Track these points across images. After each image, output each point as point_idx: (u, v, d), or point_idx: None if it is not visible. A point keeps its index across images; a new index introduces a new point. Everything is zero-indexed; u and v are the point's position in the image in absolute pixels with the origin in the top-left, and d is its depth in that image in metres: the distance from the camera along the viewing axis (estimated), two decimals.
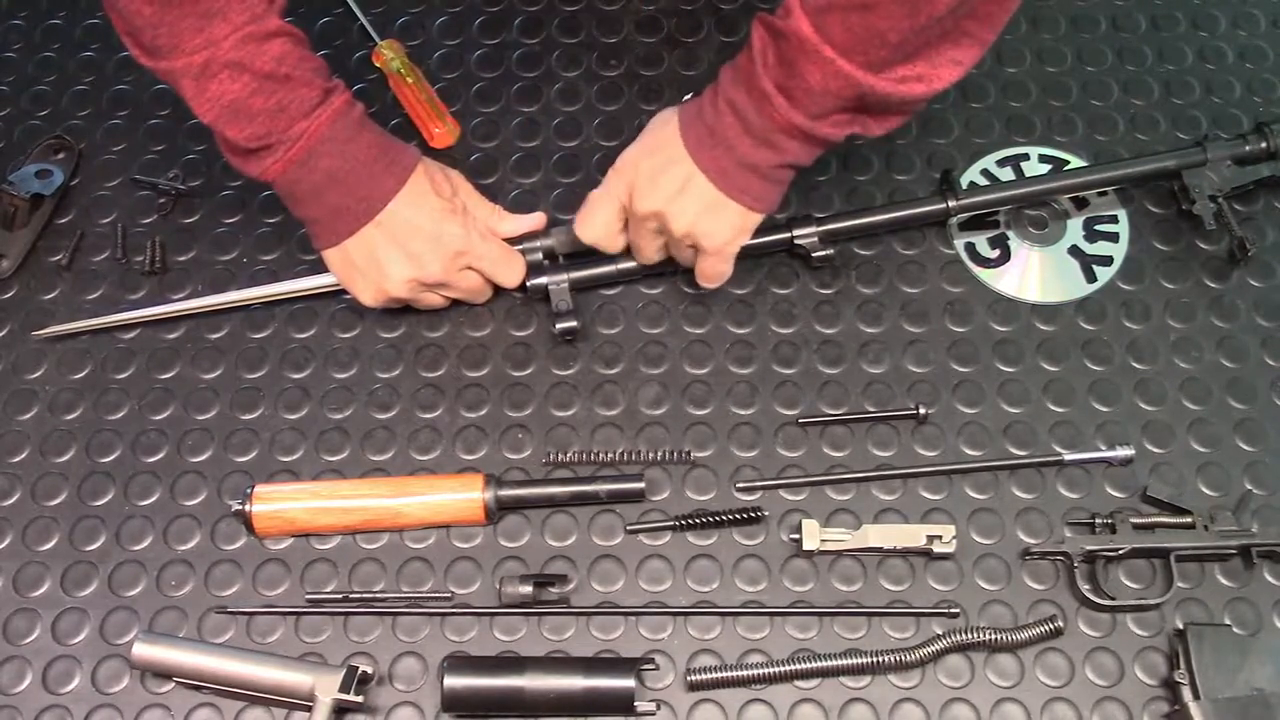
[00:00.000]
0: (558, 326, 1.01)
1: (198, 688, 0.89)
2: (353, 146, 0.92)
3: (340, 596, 0.93)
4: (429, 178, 0.97)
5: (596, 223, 0.98)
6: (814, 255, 1.02)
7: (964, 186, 1.07)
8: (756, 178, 0.91)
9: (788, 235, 1.03)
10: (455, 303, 1.04)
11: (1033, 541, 0.94)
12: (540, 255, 1.03)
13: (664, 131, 0.93)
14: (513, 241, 1.03)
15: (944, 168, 1.06)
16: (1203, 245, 1.07)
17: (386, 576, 0.94)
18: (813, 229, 1.03)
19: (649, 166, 0.93)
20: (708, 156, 0.90)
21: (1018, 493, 0.96)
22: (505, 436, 0.99)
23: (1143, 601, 0.90)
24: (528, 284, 1.02)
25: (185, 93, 0.88)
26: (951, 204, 1.04)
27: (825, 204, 1.08)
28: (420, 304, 1.02)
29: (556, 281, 1.02)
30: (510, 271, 1.02)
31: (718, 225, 0.93)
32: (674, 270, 1.04)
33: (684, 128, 0.91)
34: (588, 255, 1.03)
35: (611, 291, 1.05)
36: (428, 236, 0.96)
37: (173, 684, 0.90)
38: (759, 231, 0.99)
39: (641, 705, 0.87)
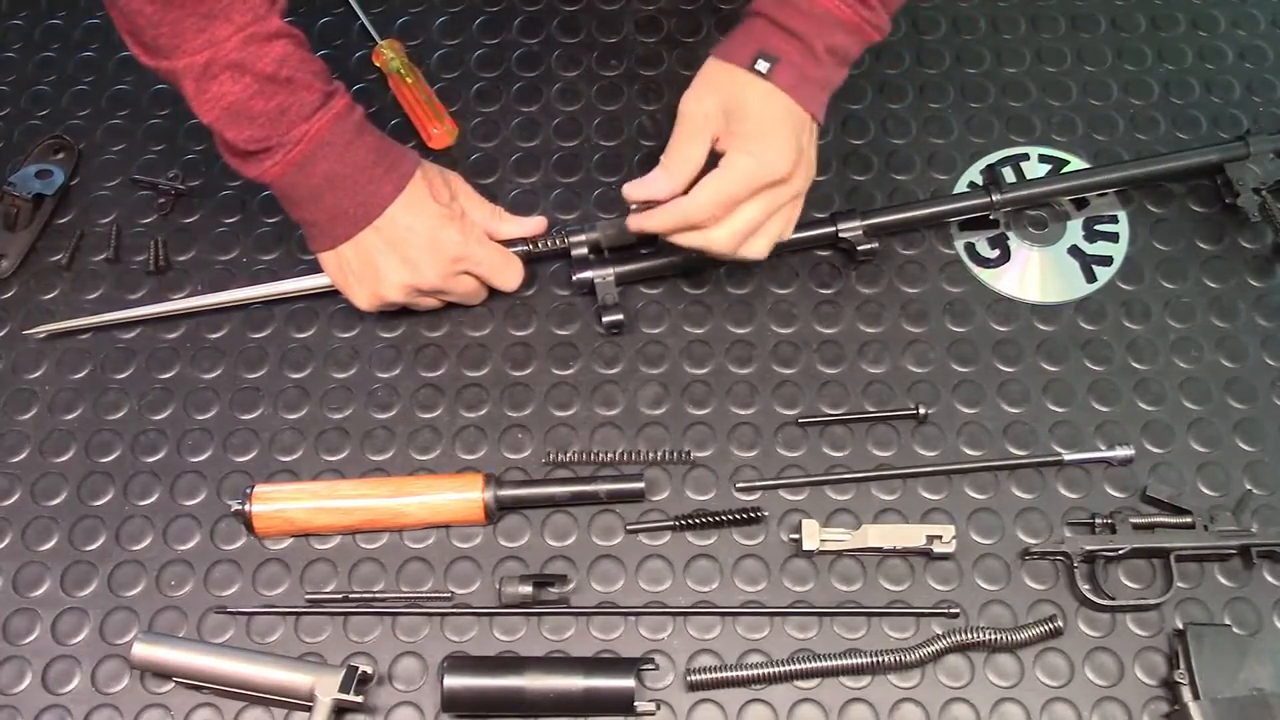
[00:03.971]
0: (604, 320, 1.01)
1: (198, 688, 0.89)
2: (352, 151, 0.92)
3: (340, 596, 0.93)
4: (427, 182, 0.97)
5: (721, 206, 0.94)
6: (859, 249, 1.03)
7: (971, 186, 1.08)
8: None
9: (833, 230, 1.03)
10: (452, 303, 1.04)
11: (1032, 541, 0.94)
12: (586, 250, 1.03)
13: (771, 109, 0.93)
14: (563, 235, 1.03)
15: (946, 165, 1.07)
16: (1202, 245, 1.07)
17: (386, 576, 0.94)
18: (857, 223, 1.03)
19: (781, 145, 0.92)
20: (818, 104, 0.95)
21: (1017, 493, 0.96)
22: (505, 436, 0.99)
23: (1143, 601, 0.90)
24: (575, 277, 1.02)
25: (186, 92, 0.88)
26: (996, 198, 1.04)
27: (825, 204, 1.08)
28: (415, 307, 1.02)
29: (603, 275, 1.02)
30: (508, 276, 1.02)
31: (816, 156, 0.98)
32: (715, 264, 1.04)
33: (794, 92, 0.92)
34: (632, 249, 1.03)
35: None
36: (425, 243, 0.96)
37: (173, 684, 0.90)
38: (805, 226, 1.01)
39: (641, 705, 0.87)
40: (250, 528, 0.94)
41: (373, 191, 0.94)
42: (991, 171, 1.07)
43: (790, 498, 0.96)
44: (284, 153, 0.90)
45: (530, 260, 1.04)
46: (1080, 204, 1.08)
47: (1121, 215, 1.08)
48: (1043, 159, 1.11)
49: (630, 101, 1.15)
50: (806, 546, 0.92)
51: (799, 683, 0.89)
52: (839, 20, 0.91)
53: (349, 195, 0.93)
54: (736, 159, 0.92)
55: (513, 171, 1.12)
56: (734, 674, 0.89)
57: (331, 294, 1.03)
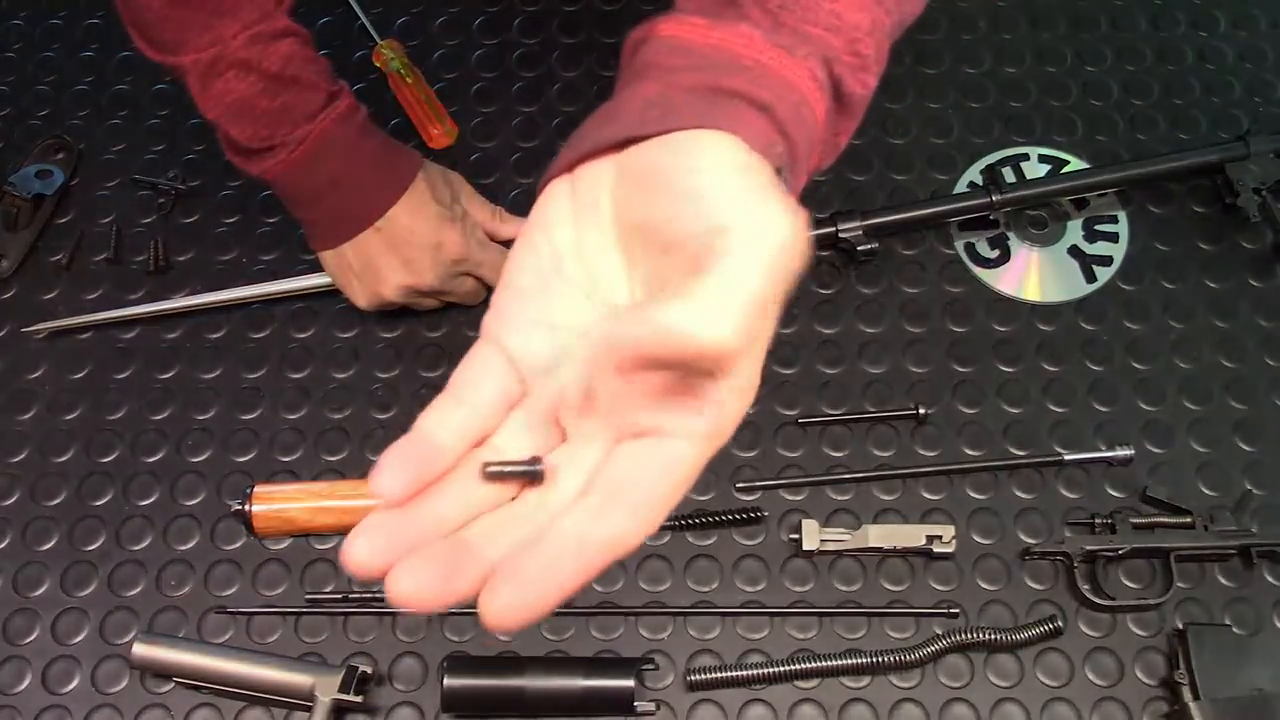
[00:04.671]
0: None
1: (197, 688, 0.89)
2: (355, 152, 0.92)
3: (340, 596, 0.93)
4: (429, 184, 0.97)
5: None
6: (859, 249, 1.02)
7: (971, 186, 1.08)
8: None
9: (833, 230, 1.03)
10: (452, 303, 1.04)
11: (1033, 541, 0.94)
12: None
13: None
14: None
15: (946, 165, 1.07)
16: (1202, 245, 1.07)
17: None
18: (857, 223, 1.03)
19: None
20: None
21: (1018, 493, 0.96)
22: None
23: (1143, 601, 0.90)
24: None
25: (190, 88, 0.88)
26: (996, 198, 1.04)
27: (825, 204, 1.08)
28: (416, 307, 1.02)
29: None
30: None
31: None
32: None
33: None
34: None
35: None
36: (426, 245, 0.96)
37: (172, 684, 0.90)
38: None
39: (641, 705, 0.87)
40: (250, 528, 0.94)
41: (375, 192, 0.94)
42: (991, 171, 1.07)
43: (790, 498, 0.96)
44: (287, 152, 0.90)
45: None
46: (1080, 204, 1.08)
47: (1121, 215, 1.08)
48: (1043, 159, 1.11)
49: None
50: (806, 546, 0.92)
51: (799, 683, 0.89)
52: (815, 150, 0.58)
53: (351, 196, 0.93)
54: (731, 398, 0.47)
55: (513, 171, 1.12)
56: (734, 674, 0.89)
57: (331, 294, 1.03)
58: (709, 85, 0.54)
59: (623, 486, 0.46)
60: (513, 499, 0.49)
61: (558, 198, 0.57)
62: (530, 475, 0.49)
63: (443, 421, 0.49)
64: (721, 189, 0.48)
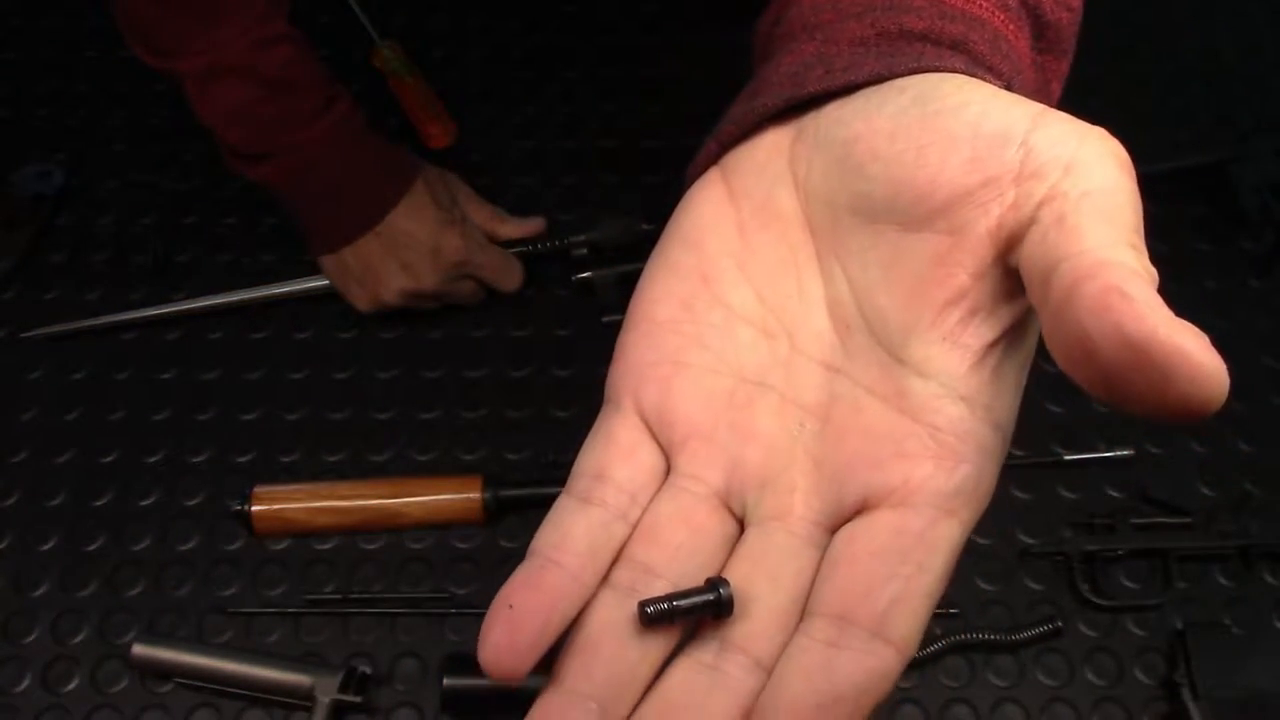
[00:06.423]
0: (604, 320, 1.02)
1: (197, 688, 0.89)
2: (353, 156, 0.92)
3: (339, 597, 0.93)
4: (428, 187, 0.97)
5: None
6: None
7: None
8: None
9: None
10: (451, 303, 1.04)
11: (1032, 541, 0.94)
12: (586, 250, 1.03)
13: None
14: (562, 235, 1.04)
15: None
16: (1202, 245, 1.07)
17: (385, 577, 0.94)
18: None
19: None
20: None
21: (1018, 493, 0.96)
22: (505, 436, 0.99)
23: (1142, 601, 0.90)
24: (574, 277, 1.03)
25: (188, 94, 0.88)
26: None
27: None
28: (415, 308, 1.02)
29: (603, 275, 1.03)
30: (509, 279, 1.02)
31: None
32: None
33: None
34: (632, 249, 1.04)
35: None
36: (426, 249, 0.96)
37: (172, 684, 0.90)
38: None
39: None
40: (250, 528, 0.94)
41: (374, 197, 0.94)
42: None
43: None
44: (285, 157, 0.89)
45: (530, 260, 1.04)
46: None
47: None
48: None
49: (630, 101, 1.15)
50: None
51: None
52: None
53: (350, 200, 0.93)
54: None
55: (513, 171, 1.12)
56: None
57: (332, 294, 1.03)
58: (879, 32, 0.42)
59: (866, 594, 0.33)
60: (679, 648, 0.36)
61: (705, 199, 0.43)
62: (712, 608, 0.34)
63: (567, 536, 0.37)
64: (1013, 120, 0.35)
